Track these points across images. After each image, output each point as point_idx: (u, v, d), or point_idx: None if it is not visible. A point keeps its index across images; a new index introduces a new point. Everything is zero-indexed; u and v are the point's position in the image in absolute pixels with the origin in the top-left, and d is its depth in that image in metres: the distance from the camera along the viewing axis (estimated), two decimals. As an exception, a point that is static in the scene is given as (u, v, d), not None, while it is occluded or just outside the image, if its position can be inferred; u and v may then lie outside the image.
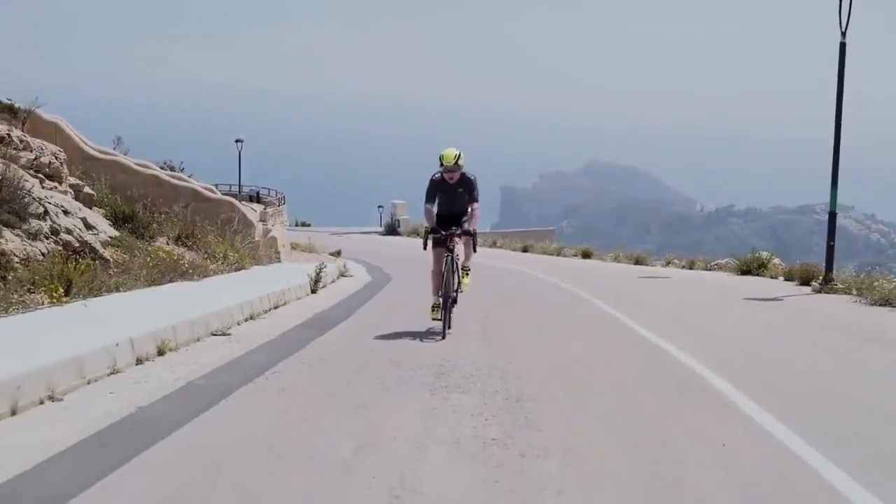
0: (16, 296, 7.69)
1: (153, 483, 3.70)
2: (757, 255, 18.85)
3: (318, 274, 12.89)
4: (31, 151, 12.96)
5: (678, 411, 5.31)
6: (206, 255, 13.58)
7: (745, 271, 18.40)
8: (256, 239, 17.24)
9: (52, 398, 5.03)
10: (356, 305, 11.30)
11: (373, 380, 5.93)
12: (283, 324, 8.97)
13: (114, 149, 19.29)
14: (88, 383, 5.49)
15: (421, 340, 7.83)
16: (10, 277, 8.22)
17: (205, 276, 12.07)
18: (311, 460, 4.02)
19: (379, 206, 65.38)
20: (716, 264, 21.36)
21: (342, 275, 16.60)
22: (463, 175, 8.38)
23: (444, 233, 8.32)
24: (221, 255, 14.02)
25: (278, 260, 18.64)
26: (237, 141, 52.59)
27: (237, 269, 14.08)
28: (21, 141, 12.99)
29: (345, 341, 7.93)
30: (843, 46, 14.18)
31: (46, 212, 10.20)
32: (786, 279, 16.73)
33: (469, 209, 8.48)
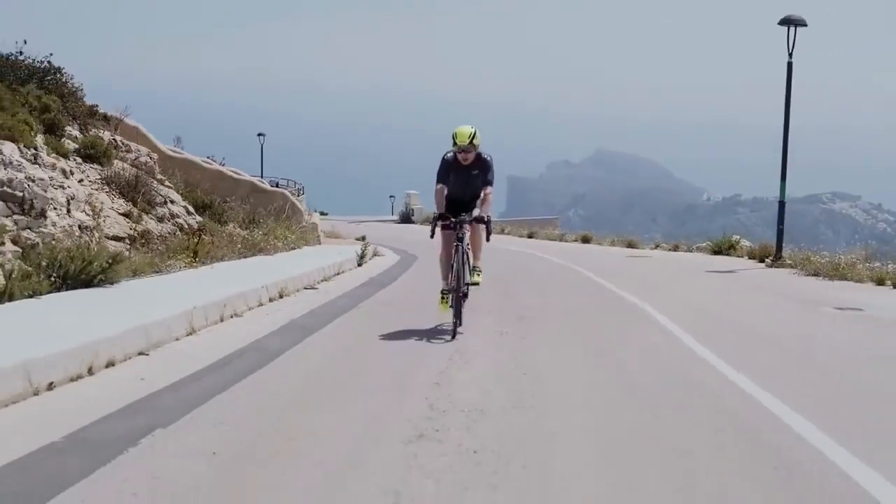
0: (169, 261, 10.90)
1: (323, 348, 6.90)
2: (727, 237, 21.97)
3: (363, 251, 16.10)
4: (131, 153, 16.20)
5: (622, 325, 8.49)
6: (274, 238, 16.75)
7: (717, 251, 21.55)
8: (304, 224, 20.45)
9: (236, 315, 8.23)
10: (397, 274, 14.48)
11: (426, 312, 9.10)
12: (349, 284, 12.16)
13: (174, 146, 22.51)
14: (249, 309, 8.69)
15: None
16: (157, 249, 11.44)
17: (275, 253, 15.28)
18: (405, 342, 7.20)
19: (391, 196, 68.38)
20: (696, 247, 24.47)
21: (375, 254, 19.78)
22: (478, 155, 7.74)
23: (453, 220, 7.70)
24: (282, 237, 17.21)
25: (319, 242, 21.83)
26: (259, 135, 55.66)
27: (292, 249, 17.27)
28: (124, 144, 16.23)
29: (398, 294, 11.12)
30: (790, 66, 17.24)
31: (164, 201, 13.43)
32: (749, 258, 19.83)
33: (482, 193, 7.82)
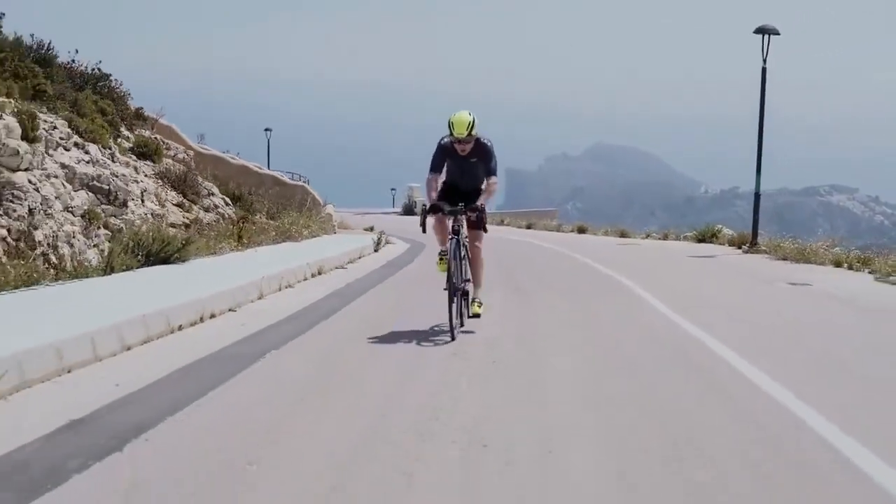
0: (220, 244, 12.73)
1: (367, 308, 8.73)
2: (710, 227, 23.84)
3: (379, 238, 17.97)
4: (171, 150, 18.01)
5: (605, 295, 10.33)
6: (300, 227, 18.58)
7: (701, 239, 23.40)
8: (322, 216, 22.28)
9: (289, 286, 10.08)
10: (411, 259, 16.32)
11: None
12: (371, 266, 14.00)
13: (199, 143, 24.29)
14: (298, 282, 10.53)
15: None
16: (207, 234, 13.25)
17: (302, 240, 17.11)
18: (431, 306, 9.03)
19: (392, 189, 70.10)
20: (683, 236, 26.31)
21: (387, 242, 21.62)
22: (477, 142, 7.05)
23: (446, 209, 7.03)
24: (305, 226, 19.04)
25: (334, 232, 23.66)
26: (266, 130, 57.41)
27: (314, 237, 19.09)
28: (164, 143, 18.03)
29: (416, 273, 12.96)
30: (764, 71, 19.05)
31: (208, 194, 15.26)
32: (729, 245, 21.68)
33: (486, 183, 7.16)
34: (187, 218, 13.50)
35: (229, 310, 8.00)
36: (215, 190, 16.23)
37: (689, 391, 5.19)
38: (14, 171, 8.81)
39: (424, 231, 7.25)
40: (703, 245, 22.47)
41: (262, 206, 20.14)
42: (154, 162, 14.85)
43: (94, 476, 3.33)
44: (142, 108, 17.69)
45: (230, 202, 17.53)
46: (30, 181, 8.93)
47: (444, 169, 7.27)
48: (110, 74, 16.60)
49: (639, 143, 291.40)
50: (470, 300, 7.57)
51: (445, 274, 7.06)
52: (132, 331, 6.08)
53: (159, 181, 14.18)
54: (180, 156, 17.95)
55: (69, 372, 5.13)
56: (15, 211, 8.43)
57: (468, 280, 7.42)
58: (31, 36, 13.86)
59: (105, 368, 5.30)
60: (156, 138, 17.76)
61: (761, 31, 19.13)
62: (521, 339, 6.89)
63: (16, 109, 9.38)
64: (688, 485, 3.46)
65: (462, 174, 7.23)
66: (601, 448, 3.94)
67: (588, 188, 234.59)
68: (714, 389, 5.27)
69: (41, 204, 8.86)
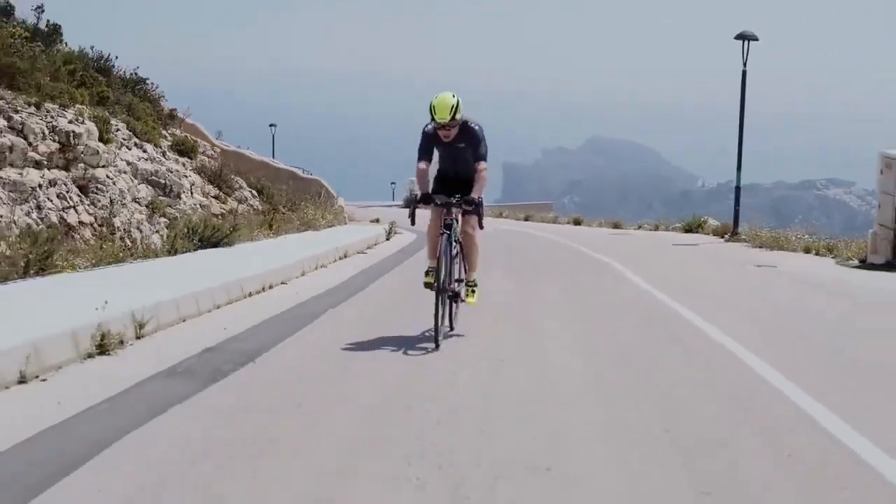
0: (255, 232, 14.40)
1: (391, 284, 10.41)
2: (696, 217, 25.56)
3: (390, 228, 19.66)
4: (199, 147, 19.64)
5: (596, 277, 12.03)
6: (318, 218, 20.23)
7: (688, 230, 25.12)
8: (335, 208, 23.94)
9: (323, 266, 11.75)
10: (420, 245, 17.83)
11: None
12: (387, 251, 15.68)
13: (217, 139, 25.90)
14: (331, 263, 12.21)
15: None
16: (243, 223, 14.91)
17: (321, 229, 18.78)
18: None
19: (392, 183, 71.68)
20: (672, 227, 28.03)
21: (396, 232, 23.30)
22: (464, 125, 6.43)
23: (437, 202, 6.46)
24: (322, 216, 20.70)
25: (346, 223, 25.33)
26: (271, 125, 58.95)
27: (330, 227, 20.75)
28: (193, 140, 19.67)
29: (428, 257, 14.65)
30: (744, 74, 20.71)
31: (239, 187, 16.92)
32: (713, 234, 23.39)
33: (475, 171, 6.43)
34: (223, 209, 15.16)
35: (281, 283, 9.68)
36: (243, 184, 17.89)
37: (652, 331, 6.90)
38: (94, 168, 10.48)
39: (413, 223, 6.81)
40: (688, 235, 24.20)
41: (281, 198, 21.80)
42: (191, 158, 16.50)
43: (245, 373, 5.03)
44: (175, 109, 19.30)
45: (256, 195, 19.20)
46: (108, 176, 10.59)
47: (437, 157, 6.70)
48: (147, 78, 18.23)
49: (637, 138, 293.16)
50: (465, 281, 6.97)
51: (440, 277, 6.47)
52: (219, 294, 7.77)
53: (198, 176, 15.82)
54: (209, 152, 19.59)
55: (184, 321, 6.81)
56: (99, 201, 10.09)
57: (459, 280, 6.85)
58: (92, 48, 15.51)
59: (209, 319, 6.99)
60: (187, 136, 19.42)
61: (741, 37, 20.79)
62: (522, 303, 8.58)
63: (92, 115, 11.02)
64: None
65: (454, 162, 6.63)
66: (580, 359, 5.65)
67: (585, 182, 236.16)
68: (662, 325, 6.98)
69: (118, 195, 10.53)
